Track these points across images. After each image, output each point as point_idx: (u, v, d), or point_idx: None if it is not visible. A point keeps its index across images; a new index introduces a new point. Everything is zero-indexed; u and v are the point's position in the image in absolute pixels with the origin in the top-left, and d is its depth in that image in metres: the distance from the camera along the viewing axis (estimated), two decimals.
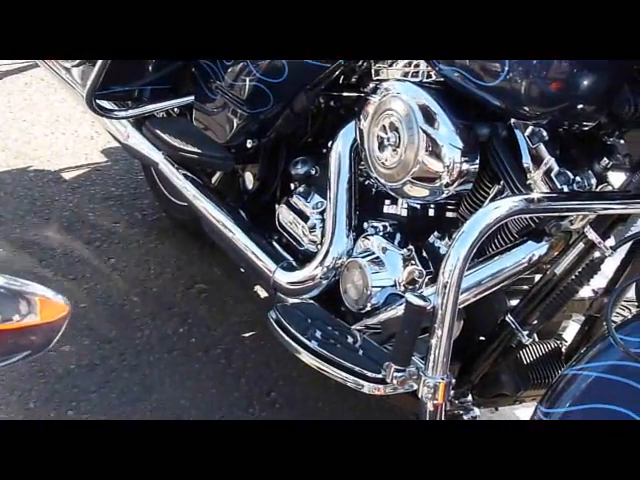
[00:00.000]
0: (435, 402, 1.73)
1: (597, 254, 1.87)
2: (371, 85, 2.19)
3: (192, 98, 2.63)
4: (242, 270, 2.47)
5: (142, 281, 2.93)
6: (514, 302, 2.00)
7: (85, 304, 2.81)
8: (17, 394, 2.43)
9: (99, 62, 2.53)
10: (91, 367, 2.57)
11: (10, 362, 0.98)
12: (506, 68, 1.77)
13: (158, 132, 2.63)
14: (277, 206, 2.45)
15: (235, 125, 2.48)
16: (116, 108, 2.68)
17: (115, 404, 2.45)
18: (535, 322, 1.98)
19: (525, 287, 1.99)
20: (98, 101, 2.62)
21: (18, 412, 2.38)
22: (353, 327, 2.09)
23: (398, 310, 1.93)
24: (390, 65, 2.20)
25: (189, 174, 2.62)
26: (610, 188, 1.85)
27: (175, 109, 2.71)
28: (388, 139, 1.97)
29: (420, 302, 1.76)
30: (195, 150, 2.56)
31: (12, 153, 3.55)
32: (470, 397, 1.98)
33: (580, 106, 1.79)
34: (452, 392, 1.84)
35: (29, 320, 0.99)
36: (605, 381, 1.61)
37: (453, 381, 1.76)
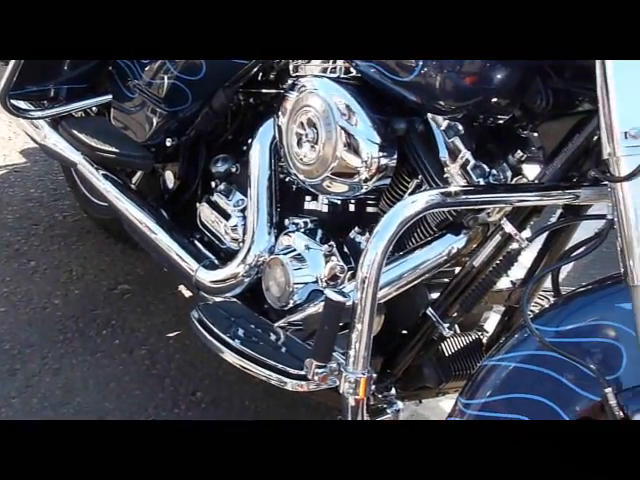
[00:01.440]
0: (356, 397, 1.76)
1: (514, 245, 1.92)
2: (289, 82, 2.21)
3: (110, 97, 2.63)
4: (165, 270, 2.48)
5: (64, 283, 2.93)
6: (435, 295, 2.03)
7: (5, 308, 2.80)
8: None
9: (12, 61, 2.53)
10: (12, 372, 2.56)
11: None
12: (420, 63, 1.80)
13: (75, 132, 2.62)
14: (198, 205, 2.46)
15: (154, 124, 2.49)
16: (32, 108, 2.67)
17: (37, 409, 2.44)
18: (455, 314, 2.01)
19: (445, 280, 2.02)
20: (13, 101, 2.60)
21: None
22: (276, 324, 2.11)
23: (320, 306, 1.95)
24: (308, 61, 2.23)
25: (109, 174, 2.62)
26: (525, 180, 1.90)
27: (93, 108, 2.71)
28: (306, 135, 1.99)
29: (339, 298, 1.80)
30: (114, 150, 2.56)
31: None
32: (393, 390, 2.01)
33: (494, 100, 1.83)
34: (374, 386, 1.88)
35: None
36: (523, 371, 1.65)
37: (374, 376, 1.80)
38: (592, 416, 1.64)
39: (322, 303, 1.91)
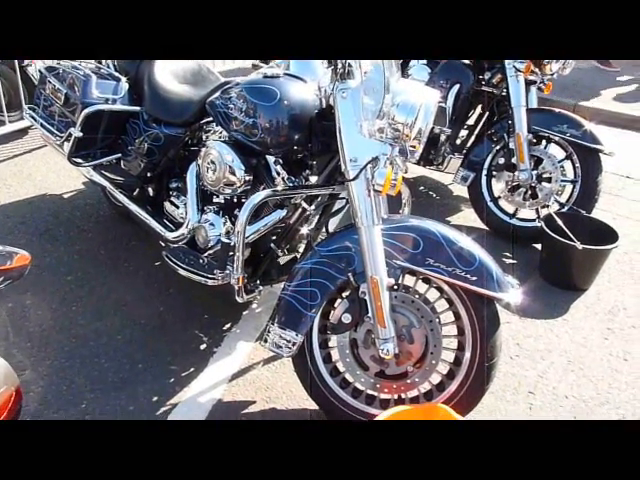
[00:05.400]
0: (239, 284, 1.75)
1: (307, 213, 1.92)
2: (203, 142, 2.17)
3: (120, 155, 2.50)
4: (150, 233, 2.38)
5: (103, 242, 2.79)
6: (274, 237, 2.01)
7: (78, 255, 2.66)
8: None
9: (72, 138, 2.41)
10: (92, 288, 2.45)
11: (2, 286, 0.95)
12: (259, 131, 1.77)
13: (104, 172, 2.53)
14: (164, 203, 2.38)
15: (141, 166, 2.39)
16: (83, 162, 2.51)
17: (103, 299, 2.36)
18: (284, 245, 2.01)
19: (278, 230, 2.00)
20: (74, 159, 2.48)
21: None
22: (203, 255, 2.06)
23: (220, 246, 1.92)
24: (212, 133, 2.18)
25: (122, 190, 2.51)
26: (310, 183, 1.88)
27: (113, 161, 2.57)
28: (211, 167, 1.94)
29: (228, 241, 1.78)
30: (122, 179, 2.46)
31: (38, 187, 3.31)
32: (258, 282, 1.98)
33: (295, 147, 1.81)
34: (246, 280, 1.85)
35: (10, 265, 0.94)
36: (313, 268, 1.66)
37: (246, 275, 1.78)
38: (345, 285, 1.65)
39: (221, 244, 1.88)
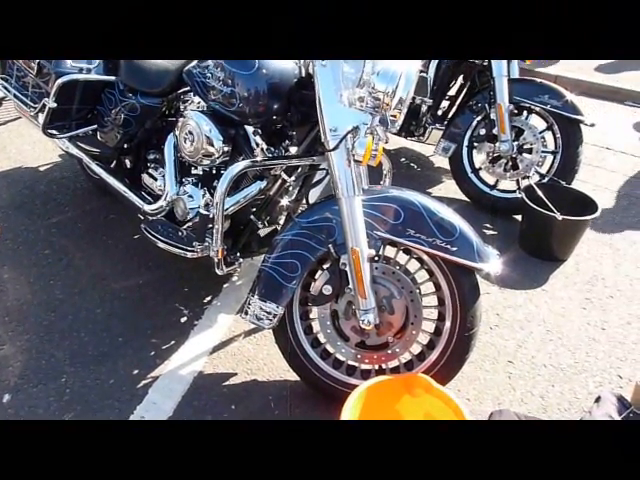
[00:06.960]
0: (218, 257, 1.73)
1: (287, 184, 1.89)
2: (181, 113, 2.11)
3: (96, 126, 2.44)
4: (128, 206, 2.34)
5: (81, 215, 2.75)
6: (254, 209, 1.98)
7: (55, 229, 2.61)
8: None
9: (46, 109, 2.33)
10: (61, 260, 2.41)
11: None
12: (237, 101, 1.73)
13: (80, 144, 2.47)
14: (142, 175, 2.32)
15: (117, 137, 2.33)
16: (58, 133, 2.45)
17: (82, 269, 2.32)
18: (264, 217, 1.99)
19: (258, 202, 1.97)
20: (48, 130, 2.41)
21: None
22: (182, 228, 2.03)
23: (199, 218, 1.89)
24: (189, 103, 2.13)
25: (99, 162, 2.45)
26: (289, 154, 1.85)
27: (89, 132, 2.50)
28: (189, 138, 1.90)
29: (207, 212, 1.75)
30: (99, 151, 2.41)
31: (13, 160, 3.23)
32: (239, 254, 1.96)
33: (274, 117, 1.78)
34: (226, 252, 1.83)
35: None
36: (293, 239, 1.63)
37: (225, 247, 1.76)
38: (325, 256, 1.64)
39: (200, 216, 1.85)
